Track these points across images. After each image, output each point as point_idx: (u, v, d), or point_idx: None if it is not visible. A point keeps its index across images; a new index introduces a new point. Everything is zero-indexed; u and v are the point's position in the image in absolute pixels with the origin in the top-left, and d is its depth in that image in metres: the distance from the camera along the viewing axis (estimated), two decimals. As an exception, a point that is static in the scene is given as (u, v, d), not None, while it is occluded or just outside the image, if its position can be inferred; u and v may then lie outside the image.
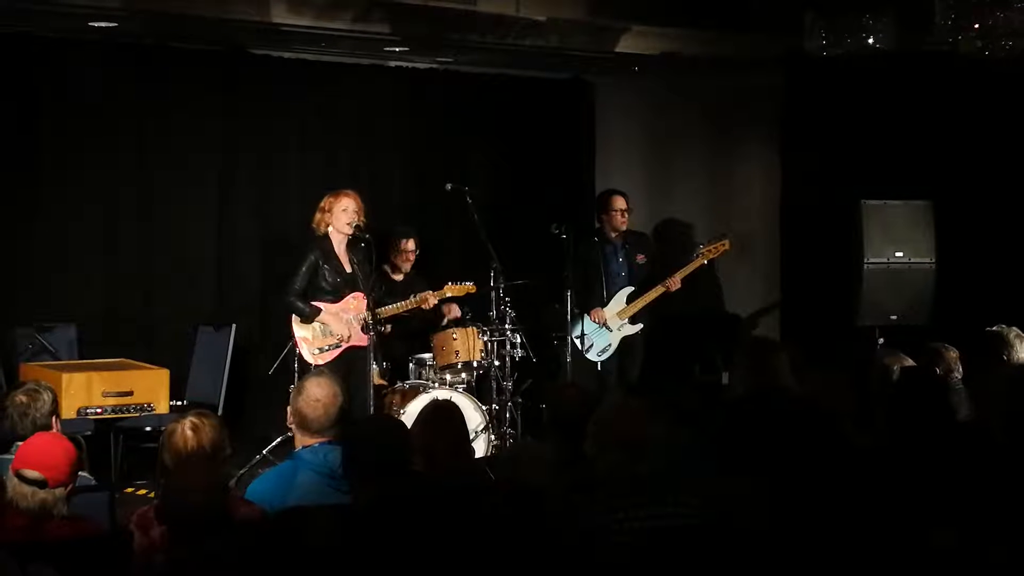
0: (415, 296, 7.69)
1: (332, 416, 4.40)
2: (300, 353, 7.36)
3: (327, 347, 7.35)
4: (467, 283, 7.81)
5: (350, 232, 7.34)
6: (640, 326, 8.47)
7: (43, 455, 3.79)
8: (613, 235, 8.59)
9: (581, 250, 8.36)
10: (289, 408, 4.51)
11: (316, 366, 7.17)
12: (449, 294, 7.75)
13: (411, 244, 8.33)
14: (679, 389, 8.07)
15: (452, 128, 9.65)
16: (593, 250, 8.48)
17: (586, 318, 8.34)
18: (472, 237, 8.12)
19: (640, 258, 8.61)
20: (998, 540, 3.55)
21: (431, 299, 7.69)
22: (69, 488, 3.84)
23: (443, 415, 4.45)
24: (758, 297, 10.10)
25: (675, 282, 8.35)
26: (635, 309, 8.43)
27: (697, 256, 8.49)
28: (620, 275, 8.53)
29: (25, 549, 3.43)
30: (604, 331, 8.42)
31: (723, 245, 8.50)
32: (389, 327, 7.50)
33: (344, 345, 7.35)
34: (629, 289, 8.48)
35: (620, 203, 8.59)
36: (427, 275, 8.47)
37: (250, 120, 8.94)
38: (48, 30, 8.03)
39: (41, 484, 3.73)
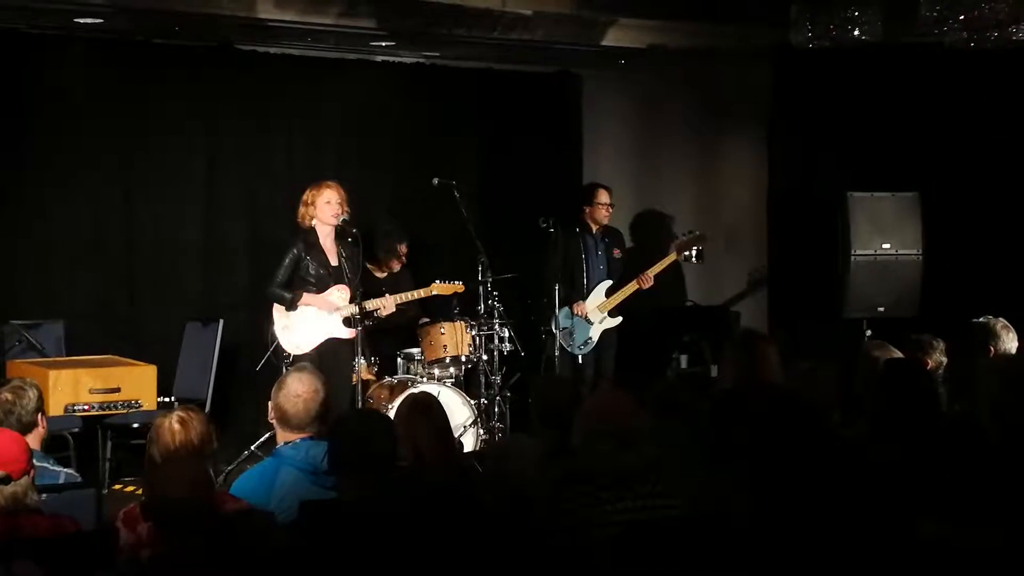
0: (411, 293, 7.68)
1: (313, 412, 4.38)
2: (279, 344, 7.34)
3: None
4: (456, 282, 7.78)
5: (336, 223, 7.33)
6: (619, 319, 8.53)
7: None
8: (594, 228, 8.61)
9: (564, 241, 8.40)
10: (270, 403, 4.49)
11: (295, 356, 7.18)
12: (436, 292, 7.73)
13: (405, 248, 8.34)
14: (667, 381, 8.08)
15: (439, 122, 9.64)
16: (575, 242, 8.50)
17: (566, 310, 8.37)
18: (460, 231, 8.12)
19: (616, 252, 8.70)
20: (985, 530, 3.56)
21: (420, 293, 7.70)
22: (31, 474, 3.83)
23: (422, 409, 4.44)
24: (746, 290, 10.10)
25: (648, 279, 8.45)
26: (614, 303, 8.49)
27: (669, 252, 8.57)
28: (599, 268, 8.60)
29: (8, 547, 3.41)
30: (585, 324, 8.45)
31: (696, 240, 8.55)
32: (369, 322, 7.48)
33: (324, 336, 7.33)
34: (608, 282, 8.54)
35: (605, 196, 8.64)
36: (415, 269, 8.47)
37: (237, 116, 8.93)
38: (34, 27, 8.01)
39: (5, 480, 3.70)
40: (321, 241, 7.37)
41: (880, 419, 4.59)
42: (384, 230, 8.36)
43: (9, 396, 4.64)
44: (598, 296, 8.52)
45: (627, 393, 4.20)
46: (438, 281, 7.75)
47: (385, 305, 7.54)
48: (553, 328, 8.29)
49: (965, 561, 3.53)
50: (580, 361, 8.43)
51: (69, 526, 3.80)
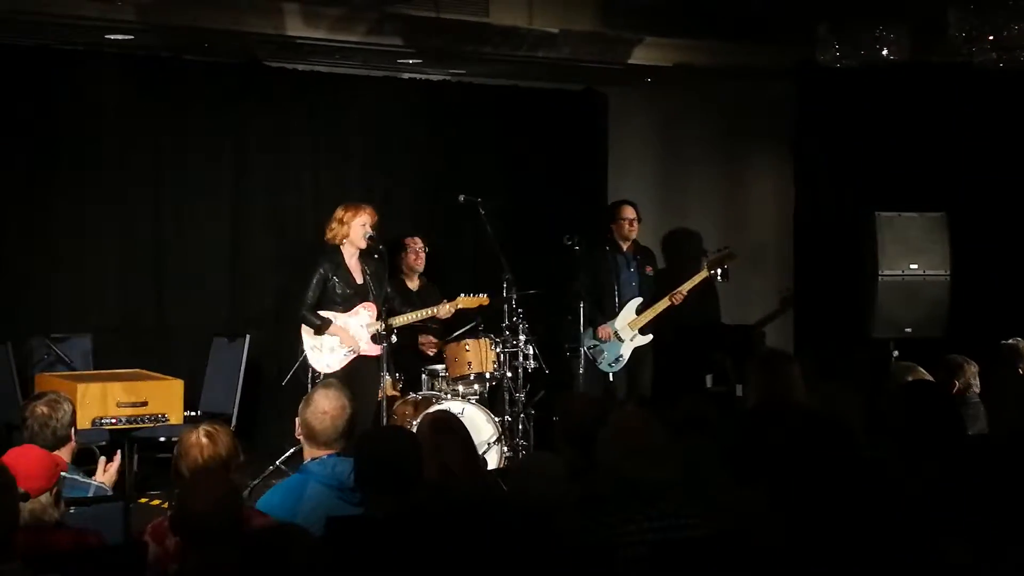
0: (432, 309, 7.69)
1: (340, 428, 4.38)
2: (311, 363, 7.39)
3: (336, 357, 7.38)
4: (481, 295, 7.80)
5: (365, 245, 7.39)
6: (650, 337, 8.51)
7: (14, 469, 3.75)
8: (624, 246, 8.63)
9: (593, 260, 8.41)
10: (297, 419, 4.50)
11: (325, 375, 7.20)
12: (462, 305, 7.75)
13: (419, 242, 8.33)
14: (692, 400, 8.06)
15: (465, 140, 9.68)
16: (604, 260, 8.51)
17: (590, 331, 8.37)
18: (485, 248, 8.14)
19: (648, 270, 8.70)
20: (1009, 553, 3.55)
21: (446, 307, 7.70)
22: (55, 492, 3.84)
23: (444, 426, 4.44)
24: (772, 309, 10.08)
25: (680, 295, 8.42)
26: (645, 320, 8.47)
27: (701, 269, 8.55)
28: (631, 285, 8.60)
29: (36, 562, 3.42)
30: (616, 341, 8.44)
31: (727, 258, 8.54)
32: (395, 339, 7.49)
33: (354, 354, 7.38)
34: (638, 300, 8.53)
35: (629, 212, 8.66)
36: (440, 286, 8.48)
37: (264, 131, 8.99)
38: (65, 43, 8.08)
39: (24, 498, 3.68)
40: (347, 260, 7.42)
41: (902, 440, 4.56)
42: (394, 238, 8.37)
43: (45, 409, 4.64)
44: (628, 313, 8.51)
45: (652, 411, 4.20)
46: (463, 295, 7.76)
47: (439, 312, 7.63)
48: (582, 346, 8.29)
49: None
50: (611, 379, 8.42)
51: (93, 540, 3.81)
